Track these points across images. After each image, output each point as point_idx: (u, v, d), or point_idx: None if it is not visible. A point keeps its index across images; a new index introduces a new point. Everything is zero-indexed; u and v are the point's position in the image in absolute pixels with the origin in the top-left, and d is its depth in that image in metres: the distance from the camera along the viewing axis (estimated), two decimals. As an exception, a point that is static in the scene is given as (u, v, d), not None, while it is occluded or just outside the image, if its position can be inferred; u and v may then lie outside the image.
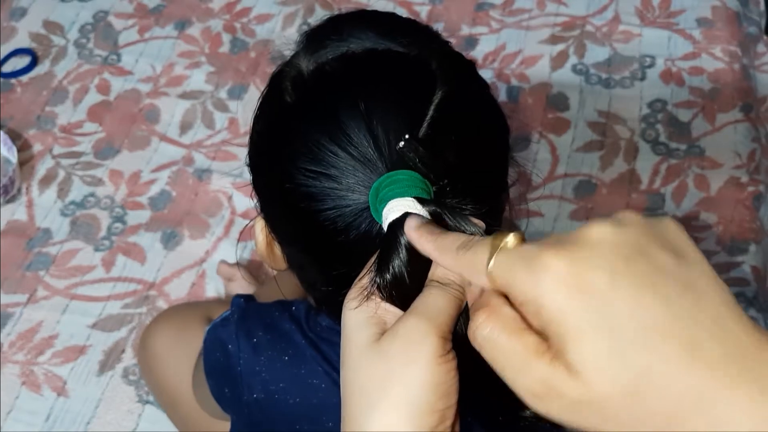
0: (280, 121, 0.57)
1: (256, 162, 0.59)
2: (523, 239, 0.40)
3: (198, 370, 0.79)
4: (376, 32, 0.56)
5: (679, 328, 0.34)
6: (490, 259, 0.39)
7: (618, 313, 0.34)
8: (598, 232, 0.36)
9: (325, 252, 0.55)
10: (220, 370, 0.71)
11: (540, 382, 0.36)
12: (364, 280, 0.47)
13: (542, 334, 0.37)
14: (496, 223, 0.60)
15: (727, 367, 0.33)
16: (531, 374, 0.36)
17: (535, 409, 0.37)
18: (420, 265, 0.46)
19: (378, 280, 0.47)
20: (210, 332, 0.74)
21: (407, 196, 0.48)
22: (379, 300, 0.46)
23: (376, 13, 0.61)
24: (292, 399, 0.66)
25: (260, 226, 0.61)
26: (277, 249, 0.62)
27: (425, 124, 0.51)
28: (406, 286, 0.46)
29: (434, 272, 0.46)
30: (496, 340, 0.38)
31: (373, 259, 0.48)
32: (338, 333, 0.50)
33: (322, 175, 0.52)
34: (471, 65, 0.59)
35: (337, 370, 0.61)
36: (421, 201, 0.47)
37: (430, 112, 0.52)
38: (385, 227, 0.48)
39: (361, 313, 0.46)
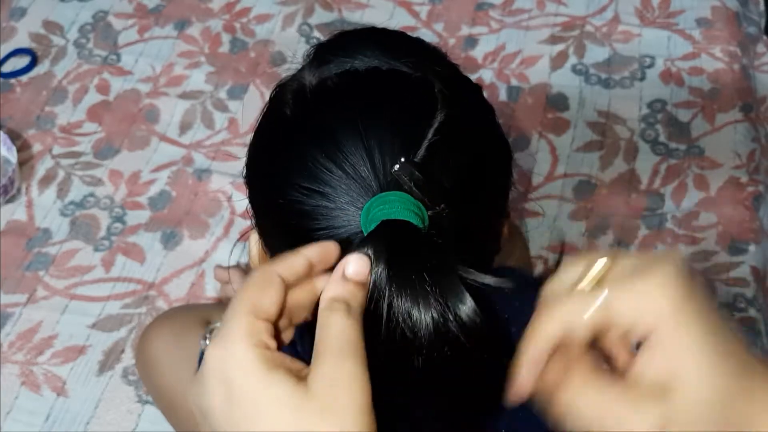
0: (278, 134, 0.55)
1: (251, 174, 0.58)
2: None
3: None
4: (382, 51, 0.56)
5: (743, 353, 0.40)
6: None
7: (715, 332, 0.40)
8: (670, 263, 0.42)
9: None
10: None
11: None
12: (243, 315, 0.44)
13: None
14: (495, 246, 0.59)
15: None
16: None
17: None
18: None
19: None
20: (203, 353, 0.73)
21: (398, 216, 0.47)
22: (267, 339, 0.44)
23: (384, 32, 0.60)
24: None
25: (254, 240, 0.60)
26: None
27: (423, 147, 0.50)
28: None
29: (338, 291, 0.45)
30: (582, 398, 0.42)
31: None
32: None
33: (316, 192, 0.51)
34: (477, 89, 0.58)
35: None
36: (415, 231, 0.46)
37: (429, 135, 0.50)
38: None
39: (264, 356, 0.42)
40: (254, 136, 0.58)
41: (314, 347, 0.43)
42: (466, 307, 0.45)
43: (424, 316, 0.45)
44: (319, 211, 0.51)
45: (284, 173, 0.53)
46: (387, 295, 0.45)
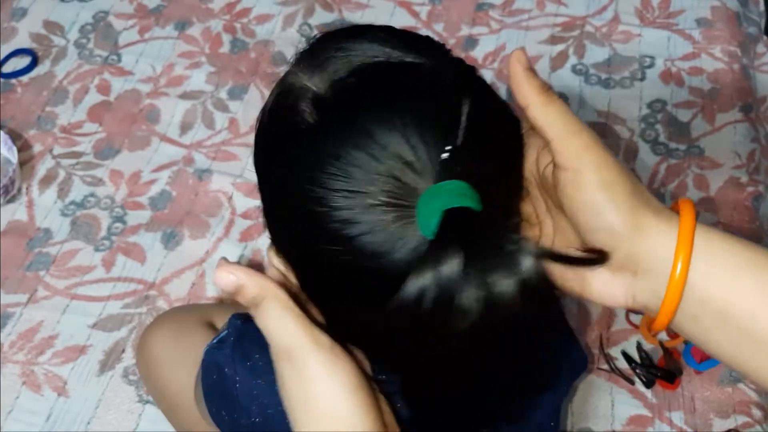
0: (308, 147, 0.53)
1: (279, 197, 0.56)
2: None
3: (198, 387, 0.78)
4: (381, 44, 0.55)
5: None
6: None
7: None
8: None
9: (367, 280, 0.52)
10: (216, 393, 0.70)
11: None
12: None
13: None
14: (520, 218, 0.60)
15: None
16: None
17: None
18: None
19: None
20: (207, 354, 0.72)
21: (459, 204, 0.47)
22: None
23: (372, 27, 0.59)
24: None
25: (277, 261, 0.58)
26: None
27: (460, 133, 0.51)
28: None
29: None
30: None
31: None
32: None
33: (361, 193, 0.50)
34: (474, 69, 0.59)
35: None
36: (476, 215, 0.47)
37: (463, 121, 0.51)
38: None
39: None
40: (268, 162, 0.56)
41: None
42: (537, 271, 0.45)
43: (506, 290, 0.45)
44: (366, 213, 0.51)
45: (322, 183, 0.52)
46: (464, 283, 0.45)
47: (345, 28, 0.59)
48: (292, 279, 0.57)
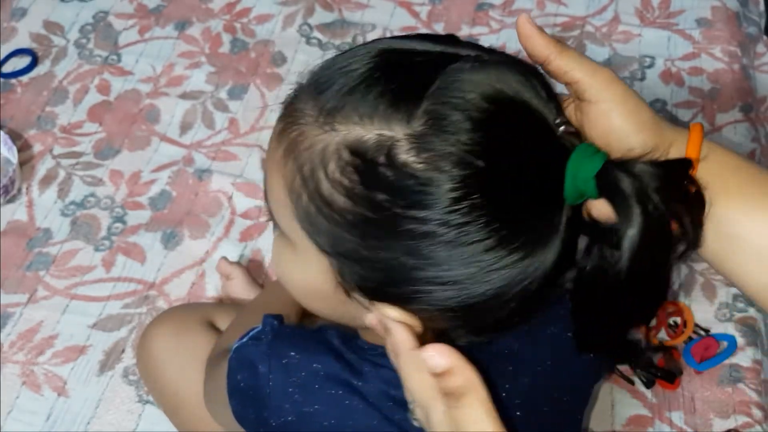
0: (435, 192, 0.51)
1: (410, 263, 0.53)
2: None
3: (212, 383, 0.77)
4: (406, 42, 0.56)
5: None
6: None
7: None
8: None
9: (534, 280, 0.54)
10: (245, 390, 0.68)
11: None
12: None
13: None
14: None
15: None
16: None
17: None
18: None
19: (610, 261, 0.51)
20: (237, 351, 0.69)
21: (602, 161, 0.52)
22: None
23: (380, 40, 0.59)
24: (327, 421, 0.64)
25: (394, 313, 0.55)
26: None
27: (552, 103, 0.55)
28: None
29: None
30: None
31: None
32: (381, 354, 0.56)
33: (509, 206, 0.53)
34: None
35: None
36: (612, 160, 0.53)
37: (544, 95, 0.56)
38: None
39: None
40: (395, 227, 0.52)
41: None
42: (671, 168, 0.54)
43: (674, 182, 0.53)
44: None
45: (473, 222, 0.51)
46: (663, 199, 0.51)
47: (356, 48, 0.57)
48: (415, 323, 0.55)
